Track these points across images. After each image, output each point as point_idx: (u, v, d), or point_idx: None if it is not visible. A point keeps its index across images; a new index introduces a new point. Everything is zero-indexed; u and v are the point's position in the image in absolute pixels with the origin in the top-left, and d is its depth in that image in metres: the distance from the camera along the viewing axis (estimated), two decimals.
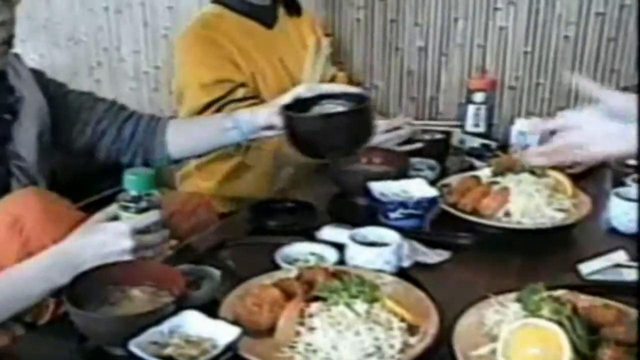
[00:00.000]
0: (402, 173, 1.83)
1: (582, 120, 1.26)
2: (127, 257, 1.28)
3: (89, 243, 1.28)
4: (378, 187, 1.71)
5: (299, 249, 1.51)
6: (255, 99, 2.07)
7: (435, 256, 1.54)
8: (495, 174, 1.80)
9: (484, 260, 1.57)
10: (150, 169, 1.38)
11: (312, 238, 1.59)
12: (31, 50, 3.49)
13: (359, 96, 1.68)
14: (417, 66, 2.68)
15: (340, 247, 1.50)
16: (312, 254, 1.50)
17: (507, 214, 1.66)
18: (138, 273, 1.26)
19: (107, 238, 1.28)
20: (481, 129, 2.40)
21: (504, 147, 2.23)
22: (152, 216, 1.30)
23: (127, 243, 1.27)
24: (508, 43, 2.53)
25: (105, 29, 3.34)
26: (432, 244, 1.58)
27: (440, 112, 2.69)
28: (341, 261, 1.46)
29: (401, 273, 1.44)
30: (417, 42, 2.66)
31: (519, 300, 1.20)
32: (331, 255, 1.48)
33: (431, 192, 1.71)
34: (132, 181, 1.30)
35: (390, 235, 1.48)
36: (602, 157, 1.36)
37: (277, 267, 1.43)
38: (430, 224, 1.69)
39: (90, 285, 1.22)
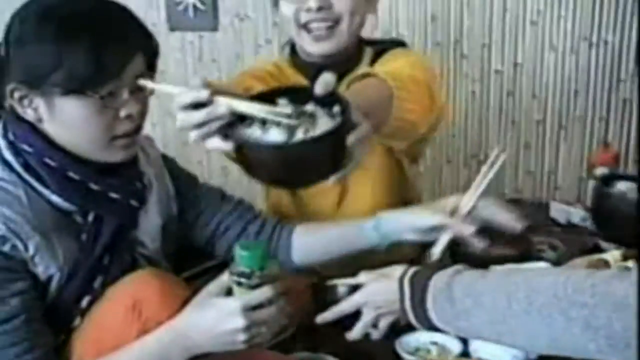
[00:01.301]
0: (525, 256, 1.74)
1: None
2: (240, 336, 1.23)
3: (200, 322, 1.25)
4: None
5: (420, 337, 1.44)
6: None
7: None
8: (626, 257, 1.69)
9: None
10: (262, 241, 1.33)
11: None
12: None
13: None
14: (534, 139, 2.60)
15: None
16: (434, 343, 1.43)
17: None
18: None
19: (218, 317, 1.23)
20: None
21: None
22: (265, 292, 1.24)
23: (239, 322, 1.22)
24: (633, 115, 2.43)
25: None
26: None
27: (558, 186, 2.60)
28: (465, 352, 1.38)
29: None
30: (534, 115, 2.58)
31: None
32: (454, 345, 1.41)
33: None
34: (243, 257, 1.23)
35: None
36: None
37: (397, 356, 1.37)
38: None
39: None
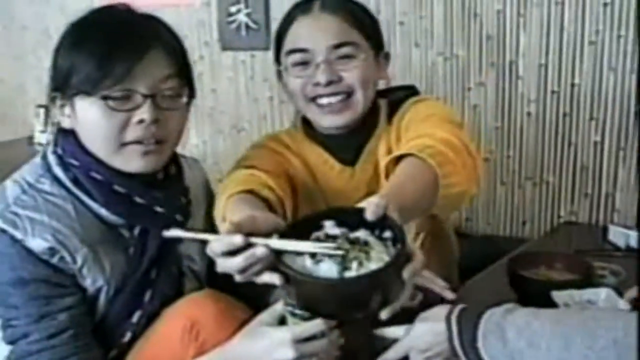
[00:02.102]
0: (587, 281, 1.70)
1: None
2: None
3: (251, 350, 1.26)
4: (562, 297, 1.60)
5: None
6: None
7: None
8: None
9: None
10: None
11: None
12: (195, 136, 3.61)
13: None
14: (592, 161, 2.55)
15: None
16: None
17: None
18: None
19: (268, 346, 1.25)
20: None
21: None
22: (318, 325, 1.25)
23: (289, 353, 1.23)
24: None
25: (268, 118, 3.40)
26: None
27: (617, 209, 2.54)
28: None
29: None
30: (592, 136, 2.53)
31: None
32: None
33: (622, 305, 1.57)
34: None
35: None
36: None
37: None
38: None
39: None
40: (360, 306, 1.10)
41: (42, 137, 3.89)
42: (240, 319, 1.34)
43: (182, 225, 1.50)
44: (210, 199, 1.66)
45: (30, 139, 3.99)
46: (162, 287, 1.44)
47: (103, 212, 1.38)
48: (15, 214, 1.32)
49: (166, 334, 1.34)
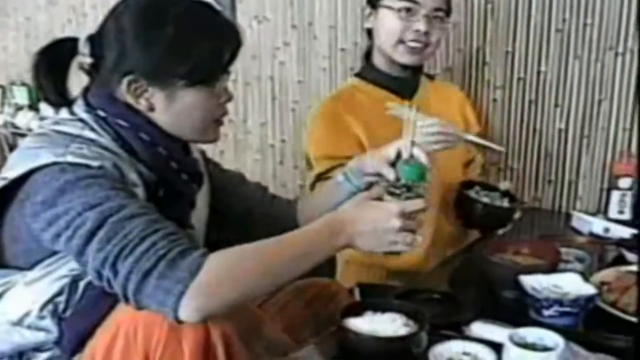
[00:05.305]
0: (553, 267, 1.73)
1: None
2: (392, 236, 1.38)
3: (363, 216, 1.39)
4: (529, 281, 1.62)
5: (452, 347, 1.42)
6: None
7: None
8: None
9: None
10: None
11: (459, 333, 1.53)
12: None
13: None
14: (556, 148, 2.58)
15: (493, 345, 1.41)
16: (466, 353, 1.41)
17: None
18: None
19: (379, 215, 1.39)
20: (626, 216, 2.32)
21: None
22: (419, 204, 1.43)
23: (397, 222, 1.37)
24: None
25: (232, 101, 3.37)
26: (584, 345, 1.45)
27: (579, 196, 2.57)
28: None
29: None
30: (557, 124, 2.56)
31: None
32: (487, 355, 1.39)
33: (588, 289, 1.60)
34: (405, 171, 1.51)
35: (549, 337, 1.38)
36: None
37: None
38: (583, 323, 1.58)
39: None
40: (495, 222, 2.23)
41: None
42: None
43: (195, 195, 1.62)
44: (209, 174, 1.76)
45: None
46: None
47: (141, 167, 1.47)
48: (79, 148, 1.38)
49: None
